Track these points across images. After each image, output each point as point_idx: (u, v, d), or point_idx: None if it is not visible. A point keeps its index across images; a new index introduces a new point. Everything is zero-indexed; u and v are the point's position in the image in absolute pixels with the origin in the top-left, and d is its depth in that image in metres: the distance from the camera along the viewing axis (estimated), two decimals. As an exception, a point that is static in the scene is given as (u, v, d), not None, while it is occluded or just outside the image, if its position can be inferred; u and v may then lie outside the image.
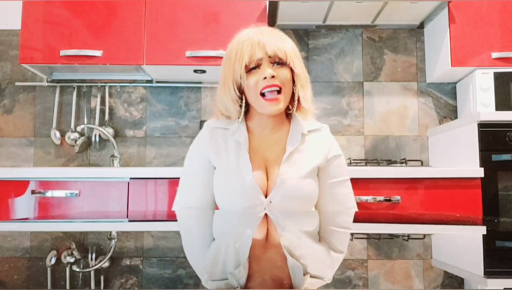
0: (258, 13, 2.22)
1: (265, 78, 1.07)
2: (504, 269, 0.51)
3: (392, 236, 0.78)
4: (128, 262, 0.53)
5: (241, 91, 1.13)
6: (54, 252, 0.60)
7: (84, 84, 2.53)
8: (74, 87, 2.50)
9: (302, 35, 2.58)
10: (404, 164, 2.38)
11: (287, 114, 1.20)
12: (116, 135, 2.51)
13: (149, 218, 1.26)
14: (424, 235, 0.81)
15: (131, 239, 0.76)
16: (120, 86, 2.53)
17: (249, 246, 0.62)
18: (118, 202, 1.89)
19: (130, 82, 2.53)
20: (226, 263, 0.51)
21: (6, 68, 2.55)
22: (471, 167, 1.97)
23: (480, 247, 0.69)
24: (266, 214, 1.03)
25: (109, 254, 0.59)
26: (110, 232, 0.86)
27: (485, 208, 1.87)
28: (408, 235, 0.78)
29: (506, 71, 2.18)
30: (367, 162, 2.45)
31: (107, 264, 0.52)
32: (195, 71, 2.32)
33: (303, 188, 1.11)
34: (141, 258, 0.56)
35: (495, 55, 2.20)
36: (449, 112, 2.54)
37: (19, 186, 1.89)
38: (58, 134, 2.47)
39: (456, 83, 2.52)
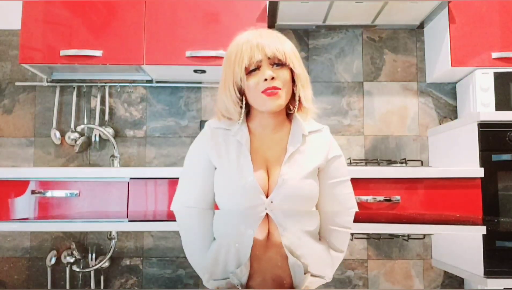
0: (258, 13, 2.22)
1: (265, 79, 1.07)
2: (504, 269, 0.51)
3: (392, 236, 0.78)
4: (128, 262, 0.53)
5: (242, 93, 1.13)
6: (54, 252, 0.60)
7: (84, 84, 2.53)
8: (74, 87, 2.50)
9: (302, 35, 2.58)
10: (404, 164, 2.38)
11: (288, 114, 1.21)
12: (116, 135, 2.51)
13: (149, 218, 1.26)
14: (424, 235, 0.82)
15: (131, 239, 0.76)
16: (120, 86, 2.53)
17: (250, 246, 0.62)
18: (118, 202, 1.89)
19: (130, 82, 2.53)
20: (228, 263, 0.51)
21: (6, 68, 2.55)
22: (471, 167, 1.97)
23: (480, 247, 0.69)
24: (267, 214, 1.03)
25: (109, 254, 0.59)
26: (110, 232, 0.86)
27: (485, 208, 1.87)
28: (408, 235, 0.78)
29: (506, 71, 2.18)
30: (367, 162, 2.45)
31: (107, 264, 0.52)
32: (195, 71, 2.33)
33: (304, 188, 1.12)
34: (141, 258, 0.56)
35: (495, 55, 2.20)
36: (449, 112, 2.54)
37: (19, 186, 1.89)
38: (58, 134, 2.47)
39: (456, 83, 2.52)
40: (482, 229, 0.88)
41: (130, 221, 1.12)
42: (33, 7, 2.22)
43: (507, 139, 1.92)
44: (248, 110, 1.19)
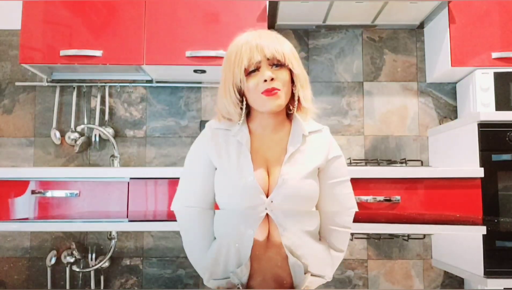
0: (258, 13, 2.22)
1: (265, 80, 1.08)
2: (504, 269, 0.51)
3: (392, 236, 0.78)
4: (128, 262, 0.53)
5: (242, 94, 1.14)
6: (54, 252, 0.60)
7: (84, 84, 2.53)
8: (74, 87, 2.50)
9: (302, 35, 2.58)
10: (404, 164, 2.38)
11: (288, 114, 1.21)
12: (116, 135, 2.51)
13: (149, 218, 1.26)
14: (424, 235, 0.82)
15: (131, 239, 0.76)
16: (120, 86, 2.53)
17: (250, 246, 0.62)
18: (118, 202, 1.89)
19: (130, 82, 2.53)
20: (228, 263, 0.51)
21: (6, 68, 2.55)
22: (471, 167, 1.97)
23: (480, 247, 0.69)
24: (267, 214, 1.03)
25: (109, 254, 0.59)
26: (110, 232, 0.86)
27: (485, 208, 1.87)
28: (408, 235, 0.78)
29: (506, 71, 2.18)
30: (367, 162, 2.45)
31: (107, 264, 0.52)
32: (195, 71, 2.33)
33: (304, 188, 1.12)
34: (141, 258, 0.56)
35: (495, 55, 2.20)
36: (449, 112, 2.54)
37: (19, 186, 1.89)
38: (58, 134, 2.47)
39: (456, 83, 2.52)
40: (482, 229, 0.88)
41: (130, 221, 1.12)
42: (33, 7, 2.22)
43: (507, 139, 1.92)
44: (248, 111, 1.19)
